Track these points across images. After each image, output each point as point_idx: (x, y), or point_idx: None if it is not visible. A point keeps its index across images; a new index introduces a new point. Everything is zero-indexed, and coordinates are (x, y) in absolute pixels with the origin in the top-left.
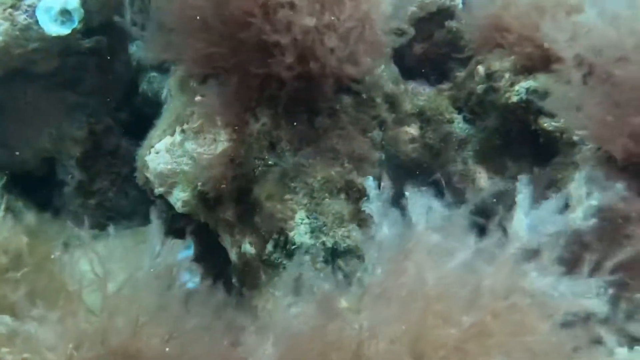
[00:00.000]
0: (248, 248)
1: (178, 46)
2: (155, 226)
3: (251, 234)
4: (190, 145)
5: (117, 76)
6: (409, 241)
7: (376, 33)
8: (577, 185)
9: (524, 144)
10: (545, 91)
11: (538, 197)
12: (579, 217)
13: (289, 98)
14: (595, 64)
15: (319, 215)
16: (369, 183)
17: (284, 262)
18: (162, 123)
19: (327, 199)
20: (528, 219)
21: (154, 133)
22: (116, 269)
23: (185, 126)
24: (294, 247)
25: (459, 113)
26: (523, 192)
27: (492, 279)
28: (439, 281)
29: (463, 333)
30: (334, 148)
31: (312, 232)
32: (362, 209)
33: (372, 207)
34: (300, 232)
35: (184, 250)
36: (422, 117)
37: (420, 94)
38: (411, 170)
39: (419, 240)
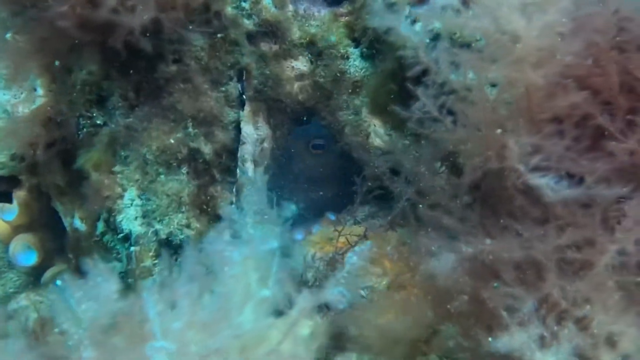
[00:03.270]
0: (78, 224)
1: None
2: None
3: (80, 208)
4: (2, 96)
5: None
6: None
7: None
8: None
9: None
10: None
11: None
12: None
13: (123, 36)
14: None
15: (152, 196)
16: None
17: (118, 247)
18: None
19: (163, 175)
20: None
21: None
22: None
23: None
24: (122, 235)
25: (356, 47)
26: None
27: None
28: None
29: None
30: (175, 107)
31: (143, 217)
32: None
33: None
34: (129, 216)
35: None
36: (313, 48)
37: (313, 18)
38: (297, 117)
39: None
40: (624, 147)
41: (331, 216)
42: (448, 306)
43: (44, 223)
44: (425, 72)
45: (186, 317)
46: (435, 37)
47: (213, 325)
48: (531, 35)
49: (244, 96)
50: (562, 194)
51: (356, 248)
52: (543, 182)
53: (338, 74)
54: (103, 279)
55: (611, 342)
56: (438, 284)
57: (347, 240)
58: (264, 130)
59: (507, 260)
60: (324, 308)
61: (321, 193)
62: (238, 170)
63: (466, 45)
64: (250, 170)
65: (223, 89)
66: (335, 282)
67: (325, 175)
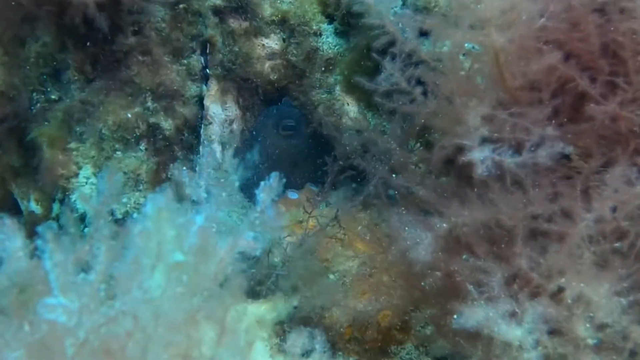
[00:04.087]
0: (33, 206)
1: None
2: None
3: (35, 189)
4: None
5: None
6: None
7: None
8: None
9: None
10: (426, 6)
11: None
12: None
13: (79, 11)
14: None
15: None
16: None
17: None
18: None
19: (120, 152)
20: None
21: None
22: None
23: None
24: (76, 215)
25: (329, 23)
26: None
27: None
28: None
29: None
30: (134, 80)
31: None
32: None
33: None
34: (83, 195)
35: None
36: (285, 26)
37: None
38: (267, 98)
39: None
40: (604, 110)
41: (312, 186)
42: (422, 283)
43: (8, 208)
44: (393, 42)
45: (94, 274)
46: (403, 4)
47: (122, 284)
48: None
49: (208, 70)
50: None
51: (262, 183)
52: (476, 157)
53: (311, 52)
54: (6, 236)
55: (586, 312)
56: (412, 265)
57: (318, 222)
58: (233, 110)
59: (481, 231)
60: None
61: (291, 176)
62: (200, 148)
63: (429, 10)
64: (217, 152)
65: (185, 61)
66: (248, 226)
67: (295, 157)
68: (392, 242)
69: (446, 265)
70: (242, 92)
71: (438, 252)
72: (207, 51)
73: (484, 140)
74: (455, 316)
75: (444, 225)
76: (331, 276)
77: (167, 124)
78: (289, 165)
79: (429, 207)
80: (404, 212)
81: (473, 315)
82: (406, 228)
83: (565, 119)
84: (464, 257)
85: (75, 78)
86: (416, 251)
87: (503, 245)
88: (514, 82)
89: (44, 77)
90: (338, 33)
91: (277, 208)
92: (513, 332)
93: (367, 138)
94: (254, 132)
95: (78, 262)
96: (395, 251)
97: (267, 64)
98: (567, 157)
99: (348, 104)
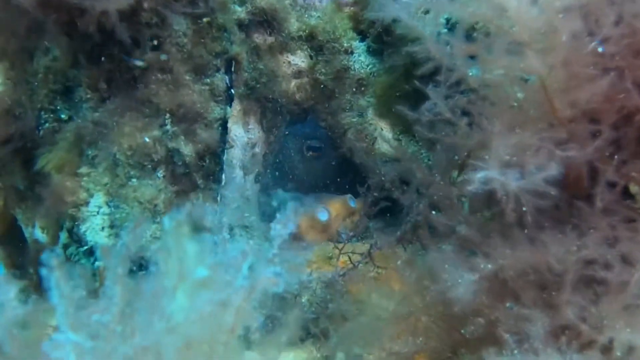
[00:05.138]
0: (39, 234)
1: None
2: None
3: (41, 216)
4: None
5: None
6: None
7: None
8: None
9: None
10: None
11: None
12: None
13: (94, 19)
14: None
15: (121, 203)
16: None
17: (82, 262)
18: None
19: (135, 179)
20: None
21: None
22: None
23: None
24: (85, 247)
25: (361, 40)
26: None
27: None
28: None
29: None
30: (152, 100)
31: (111, 227)
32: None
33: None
34: (94, 226)
35: None
36: (313, 42)
37: (313, 8)
38: (292, 119)
39: None
40: None
41: (351, 202)
42: (462, 331)
43: (13, 237)
44: (438, 68)
45: (112, 307)
46: (452, 28)
47: (143, 316)
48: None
49: (232, 90)
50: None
51: (278, 215)
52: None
53: (341, 71)
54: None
55: None
56: (453, 308)
57: (350, 260)
58: (256, 132)
59: (529, 276)
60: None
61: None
62: (223, 176)
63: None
64: (239, 178)
65: (208, 80)
66: (266, 263)
67: (320, 182)
68: (431, 280)
69: (489, 312)
70: (266, 113)
71: (481, 296)
72: (232, 70)
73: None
74: None
75: (489, 266)
76: (364, 319)
77: (187, 149)
78: (312, 191)
79: (473, 246)
80: (445, 249)
81: None
82: (446, 266)
83: (629, 155)
84: (508, 305)
85: (88, 96)
86: (456, 290)
87: (553, 293)
88: (565, 112)
89: (54, 94)
90: (371, 51)
91: (299, 242)
92: None
93: (405, 168)
94: (276, 154)
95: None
96: (434, 291)
97: (293, 83)
98: (630, 197)
99: (382, 129)
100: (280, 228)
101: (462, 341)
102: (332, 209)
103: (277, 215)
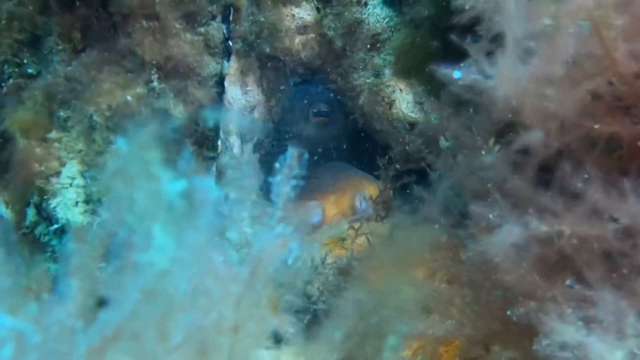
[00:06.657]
0: (2, 209)
1: None
2: None
3: (5, 188)
4: None
5: None
6: None
7: None
8: None
9: None
10: None
11: None
12: None
13: None
14: None
15: (99, 174)
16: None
17: (53, 242)
18: None
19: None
20: None
21: None
22: None
23: None
24: (56, 226)
25: None
26: None
27: None
28: None
29: None
30: (135, 52)
31: (86, 202)
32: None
33: None
34: (66, 200)
35: None
36: None
37: None
38: (297, 81)
39: None
40: None
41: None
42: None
43: None
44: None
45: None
46: None
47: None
48: None
49: (230, 42)
50: None
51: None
52: None
53: (353, 25)
54: None
55: None
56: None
57: (368, 242)
58: (255, 95)
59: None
60: None
61: (321, 176)
62: (220, 143)
63: None
64: (236, 146)
65: (202, 30)
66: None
67: (328, 154)
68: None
69: (543, 291)
70: (266, 73)
71: (532, 268)
72: (231, 18)
73: None
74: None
75: (543, 228)
76: (385, 312)
77: (177, 111)
78: (319, 162)
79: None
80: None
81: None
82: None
83: None
84: (568, 282)
85: (60, 47)
86: (498, 242)
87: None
88: (628, 66)
89: (19, 45)
90: (388, 2)
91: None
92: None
93: (439, 130)
94: (278, 120)
95: None
96: (470, 252)
97: (298, 39)
98: None
99: (401, 91)
100: (283, 181)
101: (504, 331)
102: (335, 198)
103: (276, 165)
